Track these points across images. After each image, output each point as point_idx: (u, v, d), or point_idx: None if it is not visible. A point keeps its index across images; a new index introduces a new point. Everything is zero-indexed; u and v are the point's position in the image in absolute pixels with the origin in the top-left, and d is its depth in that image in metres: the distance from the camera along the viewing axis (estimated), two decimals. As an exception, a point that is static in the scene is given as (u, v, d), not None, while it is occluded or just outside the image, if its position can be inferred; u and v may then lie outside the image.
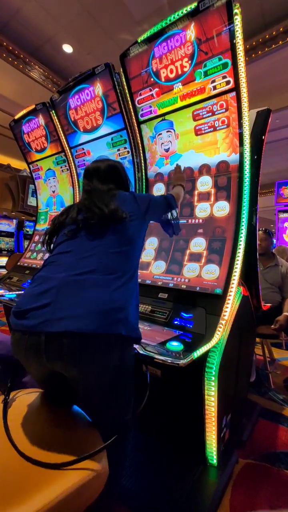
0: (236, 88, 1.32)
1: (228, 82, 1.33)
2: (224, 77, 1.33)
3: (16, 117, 2.45)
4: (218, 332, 1.15)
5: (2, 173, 7.20)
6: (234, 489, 1.23)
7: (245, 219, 1.36)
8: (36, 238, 2.69)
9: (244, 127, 1.34)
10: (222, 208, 1.47)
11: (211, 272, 1.38)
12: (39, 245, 2.58)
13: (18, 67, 4.74)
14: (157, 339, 1.08)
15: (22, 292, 2.01)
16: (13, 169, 7.32)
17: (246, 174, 1.38)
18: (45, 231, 1.03)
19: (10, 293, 1.89)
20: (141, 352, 0.92)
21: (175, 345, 0.98)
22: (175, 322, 1.28)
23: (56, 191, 2.55)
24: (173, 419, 1.36)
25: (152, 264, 1.64)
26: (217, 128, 1.45)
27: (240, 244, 1.33)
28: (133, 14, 3.90)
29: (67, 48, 4.73)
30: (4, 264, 5.34)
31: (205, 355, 1.12)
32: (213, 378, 1.14)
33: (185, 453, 1.33)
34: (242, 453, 1.47)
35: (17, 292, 1.94)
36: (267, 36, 4.01)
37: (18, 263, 2.59)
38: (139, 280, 1.62)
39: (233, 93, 1.34)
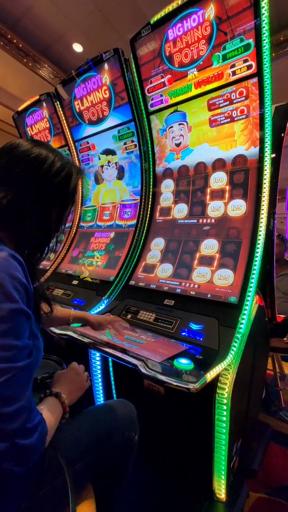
0: (259, 73, 1.18)
1: (249, 67, 1.20)
2: (245, 61, 1.20)
3: (20, 108, 2.34)
4: (234, 348, 0.99)
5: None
6: (246, 532, 1.06)
7: (264, 220, 1.21)
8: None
9: (266, 117, 1.20)
10: (238, 207, 1.32)
11: (225, 278, 1.22)
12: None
13: (27, 64, 4.69)
14: (161, 352, 0.92)
15: None
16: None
17: (266, 170, 1.23)
18: None
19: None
20: (143, 370, 0.77)
21: (185, 363, 0.82)
22: (183, 334, 1.12)
23: (58, 187, 2.43)
24: (175, 444, 1.19)
25: (158, 267, 1.49)
26: (235, 119, 1.31)
27: (258, 247, 1.18)
28: (146, 14, 3.82)
29: (77, 48, 4.67)
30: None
31: (217, 375, 0.96)
32: (225, 401, 0.97)
33: (189, 485, 1.17)
34: (253, 485, 1.29)
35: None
36: (281, 38, 3.90)
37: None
38: (143, 284, 1.48)
39: (255, 79, 1.20)
